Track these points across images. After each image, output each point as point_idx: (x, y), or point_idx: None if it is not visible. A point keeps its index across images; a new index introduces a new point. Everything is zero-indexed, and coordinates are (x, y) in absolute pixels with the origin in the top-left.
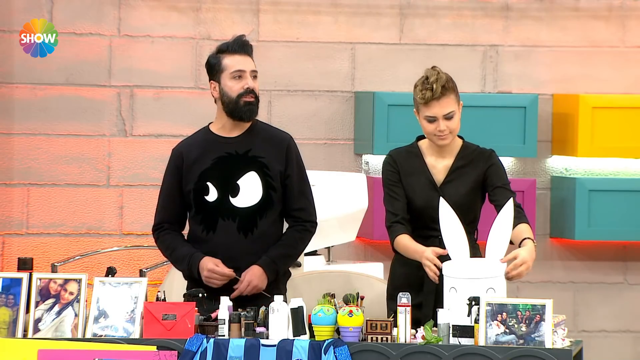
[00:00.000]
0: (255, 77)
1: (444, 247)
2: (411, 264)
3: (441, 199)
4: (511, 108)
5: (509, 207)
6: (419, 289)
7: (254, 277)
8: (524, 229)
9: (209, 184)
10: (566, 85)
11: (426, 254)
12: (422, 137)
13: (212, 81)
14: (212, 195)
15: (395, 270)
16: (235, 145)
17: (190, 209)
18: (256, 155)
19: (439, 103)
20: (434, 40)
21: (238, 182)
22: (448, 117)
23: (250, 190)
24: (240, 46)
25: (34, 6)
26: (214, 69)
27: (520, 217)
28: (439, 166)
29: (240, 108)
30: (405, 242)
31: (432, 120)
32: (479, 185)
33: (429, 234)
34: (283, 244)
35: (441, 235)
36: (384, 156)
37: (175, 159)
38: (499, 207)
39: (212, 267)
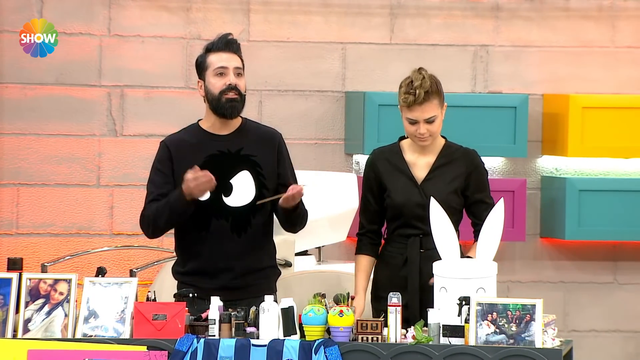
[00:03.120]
0: (239, 74)
1: (427, 247)
2: (394, 264)
3: (432, 199)
4: (501, 108)
5: (499, 207)
6: (403, 288)
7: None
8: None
9: None
10: (556, 85)
11: (354, 301)
12: (403, 137)
13: (199, 80)
14: (205, 194)
15: (378, 272)
16: (227, 144)
17: None
18: (248, 154)
19: (421, 108)
20: (424, 40)
21: (231, 181)
22: (429, 121)
23: (243, 189)
24: (225, 44)
25: (23, 6)
26: (200, 67)
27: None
28: (420, 163)
29: (222, 105)
30: (358, 268)
31: (413, 122)
32: (461, 185)
33: (410, 233)
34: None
35: (421, 234)
36: None
37: (165, 152)
38: (475, 225)
39: (190, 175)
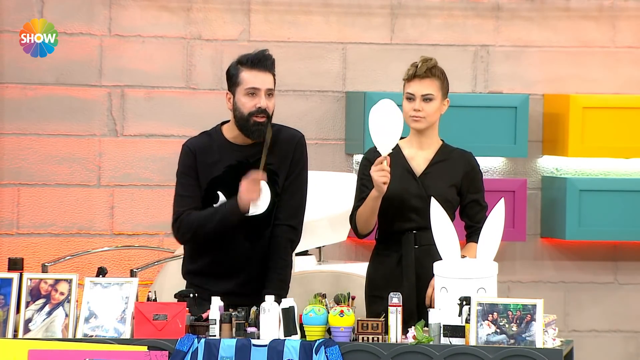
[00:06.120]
0: (270, 95)
1: (421, 243)
2: (388, 263)
3: (432, 199)
4: (502, 108)
5: (500, 207)
6: (399, 285)
7: None
8: (470, 248)
9: (218, 192)
10: (557, 85)
11: (371, 171)
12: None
13: (228, 92)
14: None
15: (373, 272)
16: (247, 154)
17: None
18: (267, 163)
19: (420, 82)
20: (425, 40)
21: None
22: (426, 98)
23: (259, 201)
24: (259, 61)
25: (23, 6)
26: (231, 81)
27: (477, 234)
28: (418, 158)
29: (249, 127)
30: (361, 207)
31: (410, 98)
32: (458, 182)
33: (405, 227)
34: (278, 271)
35: (416, 229)
36: None
37: (189, 157)
38: (469, 227)
39: (245, 185)
